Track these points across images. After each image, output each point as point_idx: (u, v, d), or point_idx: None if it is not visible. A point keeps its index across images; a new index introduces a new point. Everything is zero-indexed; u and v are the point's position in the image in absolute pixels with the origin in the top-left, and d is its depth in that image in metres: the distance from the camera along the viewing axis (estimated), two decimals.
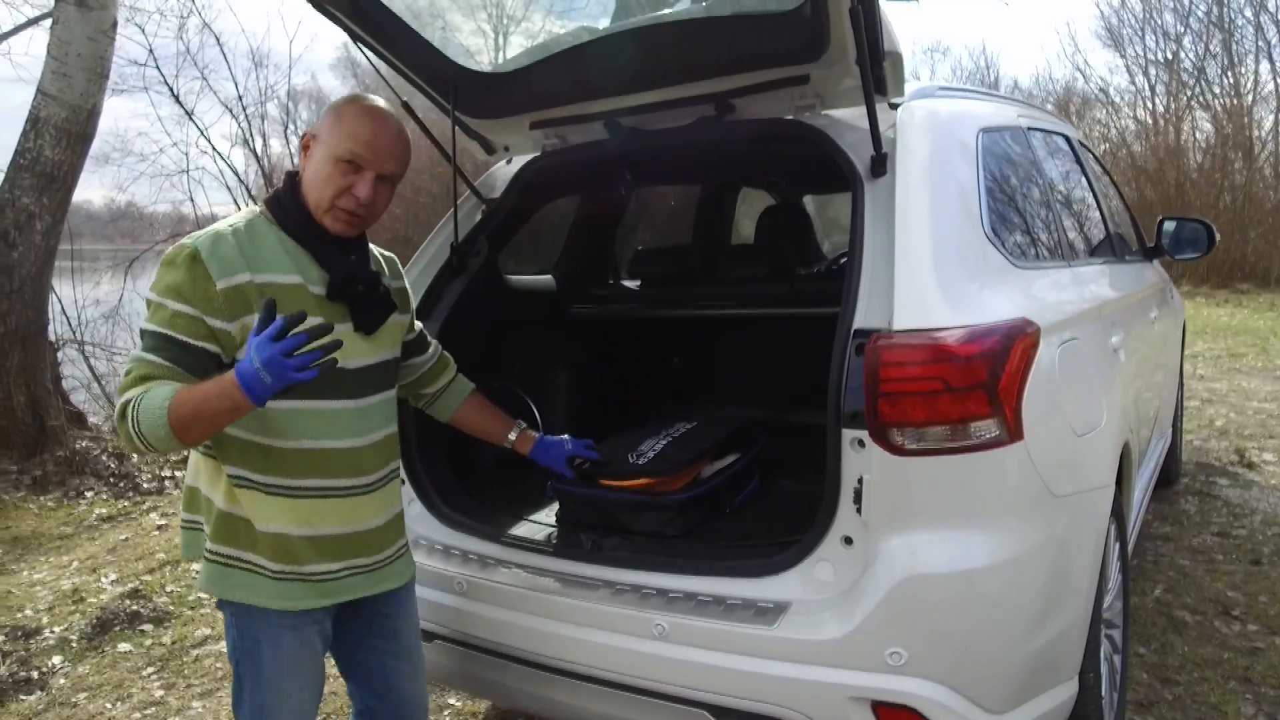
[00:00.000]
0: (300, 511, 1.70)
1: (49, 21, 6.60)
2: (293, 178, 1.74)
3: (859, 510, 1.75)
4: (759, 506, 2.43)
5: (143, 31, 10.32)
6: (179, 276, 1.58)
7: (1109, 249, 3.28)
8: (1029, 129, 2.77)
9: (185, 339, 1.57)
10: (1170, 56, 18.60)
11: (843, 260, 4.76)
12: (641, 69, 2.30)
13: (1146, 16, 19.09)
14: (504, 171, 2.76)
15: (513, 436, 2.24)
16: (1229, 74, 17.87)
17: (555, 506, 2.41)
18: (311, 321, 1.46)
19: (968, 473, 1.71)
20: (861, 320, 1.81)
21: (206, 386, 1.50)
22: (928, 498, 1.71)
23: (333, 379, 1.68)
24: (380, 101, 1.76)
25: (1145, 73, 19.03)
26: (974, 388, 1.69)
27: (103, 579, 4.72)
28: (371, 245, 1.91)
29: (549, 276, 3.41)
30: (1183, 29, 18.58)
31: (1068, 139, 3.33)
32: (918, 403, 1.68)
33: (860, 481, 1.75)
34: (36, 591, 4.61)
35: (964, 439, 1.69)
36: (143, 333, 1.60)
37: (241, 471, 1.68)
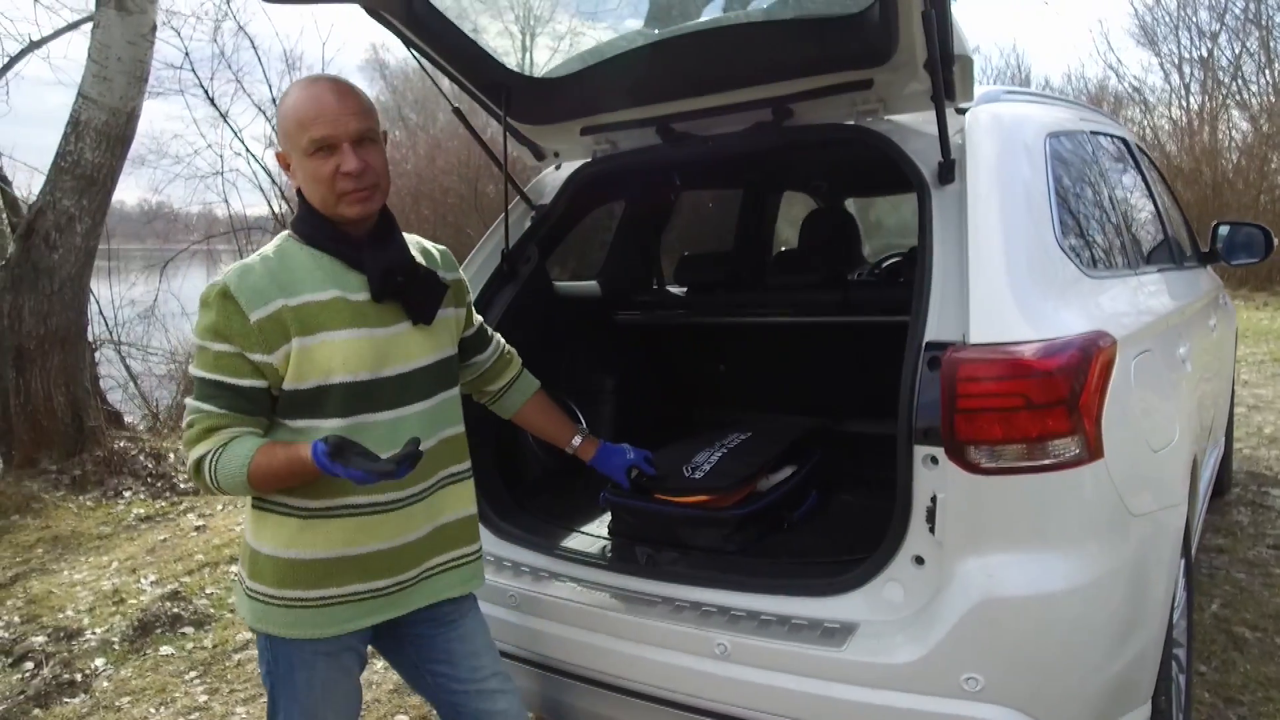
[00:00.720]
0: (345, 531, 1.65)
1: (88, 25, 6.66)
2: (302, 195, 1.69)
3: (932, 530, 1.70)
4: (818, 521, 2.37)
5: (178, 35, 10.42)
6: (212, 316, 1.56)
7: (1168, 255, 3.19)
8: (1091, 133, 2.69)
9: (233, 381, 1.56)
10: (1205, 54, 18.27)
11: (887, 263, 4.73)
12: (698, 74, 2.25)
13: (1181, 14, 18.76)
14: (553, 177, 2.72)
15: (576, 441, 2.17)
16: (1266, 72, 17.51)
17: (607, 518, 2.37)
18: (382, 466, 1.47)
19: (1047, 493, 1.65)
20: (934, 332, 1.75)
21: (282, 460, 1.53)
22: (1005, 518, 1.65)
23: (398, 383, 1.66)
24: (317, 76, 1.68)
25: (1180, 71, 18.70)
26: (1055, 404, 1.63)
27: (142, 580, 4.74)
28: (418, 238, 1.86)
29: (594, 283, 3.38)
30: (1218, 26, 18.24)
31: (1125, 142, 3.25)
32: (995, 419, 1.63)
33: (933, 500, 1.69)
34: (77, 592, 4.64)
35: (1043, 457, 1.63)
36: (194, 379, 1.59)
37: (278, 498, 1.64)
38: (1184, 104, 18.39)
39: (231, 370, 1.56)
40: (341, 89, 1.62)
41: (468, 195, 17.95)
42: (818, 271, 3.11)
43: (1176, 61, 18.82)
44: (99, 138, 6.45)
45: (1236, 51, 17.95)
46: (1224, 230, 4.01)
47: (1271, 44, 17.57)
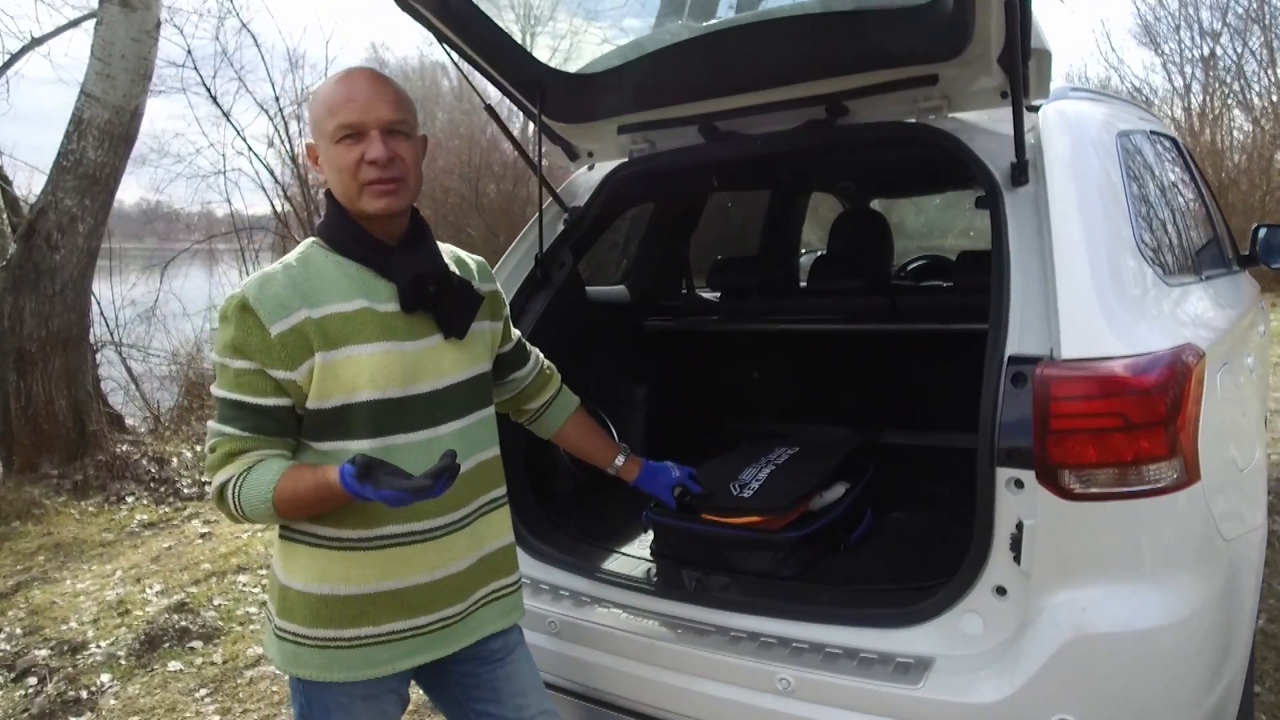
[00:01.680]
0: (383, 564, 1.52)
1: (90, 23, 6.54)
2: (331, 196, 1.56)
3: (1017, 559, 1.58)
4: (875, 543, 2.25)
5: (181, 32, 10.27)
6: (231, 331, 1.44)
7: (1221, 259, 3.07)
8: (1151, 133, 2.57)
9: (255, 400, 1.45)
10: (1207, 54, 18.16)
11: (912, 266, 4.62)
12: (745, 69, 2.13)
13: (1183, 13, 18.64)
14: (586, 178, 2.60)
15: (620, 462, 2.04)
16: (1269, 71, 17.41)
17: (648, 537, 2.24)
18: (416, 483, 1.33)
19: (1142, 520, 1.53)
20: (1016, 345, 1.63)
21: (309, 485, 1.41)
22: (1098, 548, 1.53)
23: (429, 400, 1.53)
24: (354, 67, 1.57)
25: (1181, 71, 18.59)
26: (1153, 424, 1.51)
27: (147, 590, 4.61)
28: (452, 248, 1.73)
29: (622, 288, 3.25)
30: (1220, 26, 18.12)
31: (1175, 142, 3.13)
32: (1090, 441, 1.51)
33: (1019, 527, 1.57)
34: (80, 602, 4.52)
35: (1139, 482, 1.51)
36: (216, 399, 1.48)
37: (308, 527, 1.52)
38: (1186, 104, 18.29)
39: (253, 389, 1.44)
40: (378, 77, 1.52)
41: (469, 195, 17.81)
42: (861, 276, 2.98)
43: (1178, 61, 18.72)
44: (102, 136, 6.33)
45: (1239, 51, 17.85)
46: (1264, 233, 3.90)
47: (1274, 42, 17.47)
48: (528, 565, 2.17)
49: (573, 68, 2.35)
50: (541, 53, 2.34)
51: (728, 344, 3.34)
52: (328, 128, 1.48)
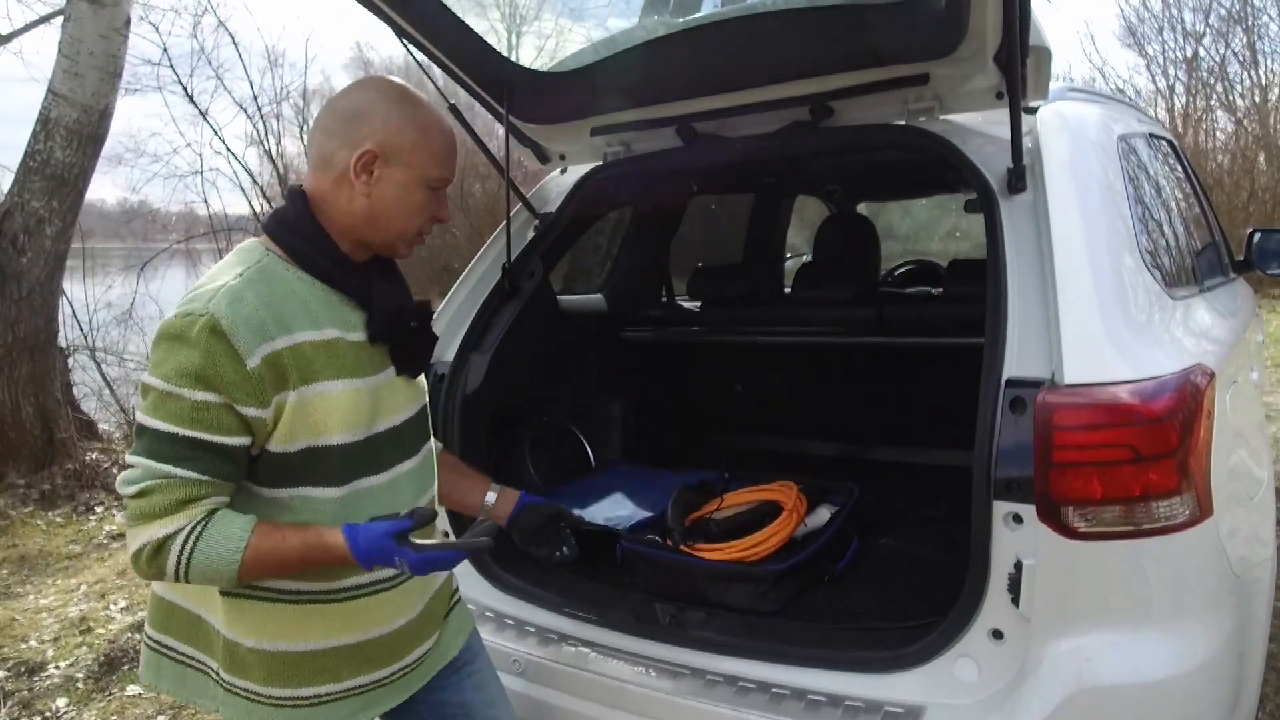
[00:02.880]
0: (342, 619, 1.38)
1: (60, 20, 6.35)
2: (303, 199, 1.37)
3: (1015, 601, 1.45)
4: (863, 573, 2.11)
5: (156, 30, 10.07)
6: (195, 358, 1.20)
7: (1219, 267, 2.96)
8: (1150, 135, 2.46)
9: (218, 440, 1.22)
10: (1190, 55, 18.16)
11: (899, 271, 4.49)
12: (725, 68, 2.00)
13: (1166, 14, 18.64)
14: (558, 183, 2.46)
15: (490, 499, 1.76)
16: (1251, 71, 17.42)
17: (623, 567, 2.10)
18: (475, 543, 1.32)
19: (1152, 561, 1.41)
20: (1015, 367, 1.51)
21: (296, 547, 1.26)
22: (1104, 592, 1.41)
23: (390, 439, 1.41)
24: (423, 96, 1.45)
25: (1165, 72, 18.58)
26: (1164, 455, 1.38)
27: (111, 606, 4.46)
28: None
29: (599, 296, 3.11)
30: (1203, 27, 18.12)
31: (1172, 144, 3.02)
32: (1094, 475, 1.38)
33: (1017, 567, 1.44)
34: (42, 619, 4.35)
35: (1148, 520, 1.39)
36: (153, 433, 1.22)
37: (268, 581, 1.34)
38: (1170, 106, 18.27)
39: (216, 426, 1.22)
40: None
41: (453, 194, 17.54)
42: (846, 285, 2.85)
43: (1162, 63, 18.71)
44: (70, 136, 6.14)
45: (1221, 52, 17.85)
46: (1259, 238, 3.79)
47: (1256, 43, 17.48)
48: (493, 598, 2.04)
49: (543, 66, 2.22)
50: (522, 51, 2.21)
51: (709, 356, 3.20)
52: (431, 172, 1.37)
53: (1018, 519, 1.44)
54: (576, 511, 1.83)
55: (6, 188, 6.30)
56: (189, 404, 1.21)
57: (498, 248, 2.31)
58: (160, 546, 1.22)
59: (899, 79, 1.85)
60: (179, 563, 1.22)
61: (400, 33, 1.99)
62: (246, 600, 1.35)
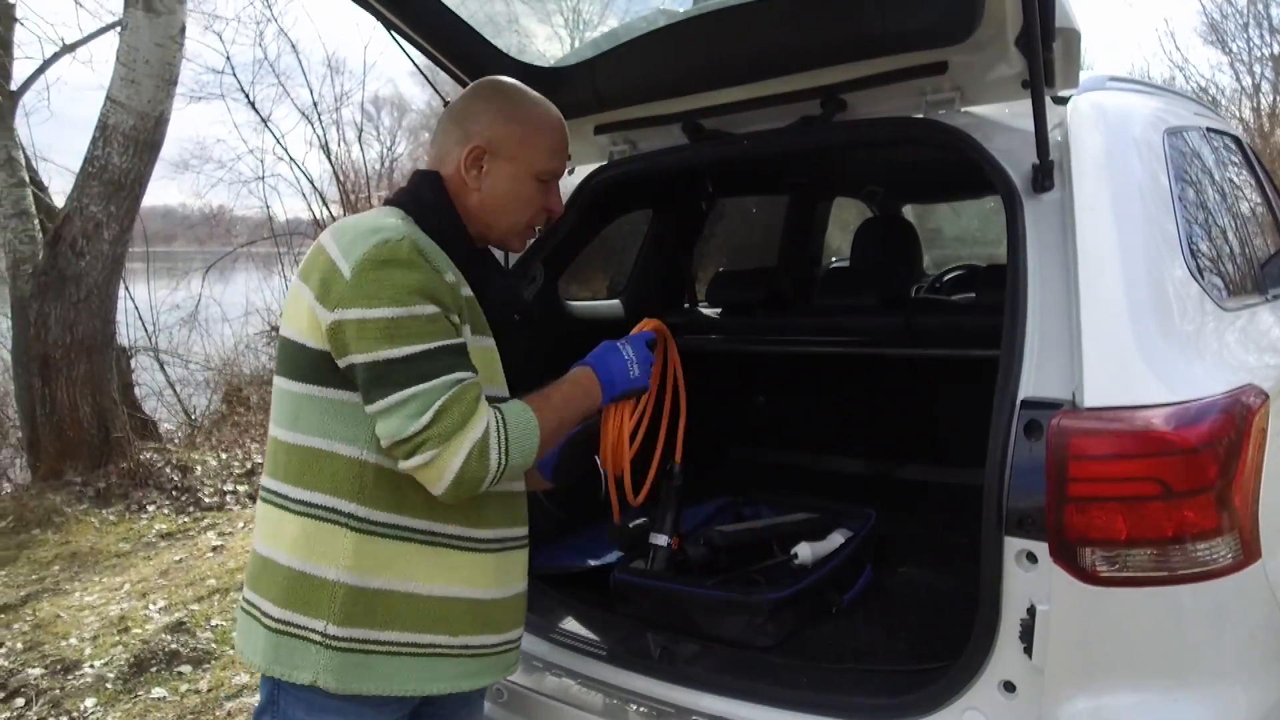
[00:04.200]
0: (499, 568, 1.42)
1: (120, 28, 6.52)
2: (436, 181, 1.42)
3: (1028, 650, 1.28)
4: (873, 605, 1.94)
5: (220, 39, 10.32)
6: (414, 275, 1.24)
7: None
8: (1207, 130, 2.23)
9: (458, 342, 1.29)
10: (1277, 51, 17.26)
11: (949, 276, 4.28)
12: (730, 60, 1.87)
13: (1251, 10, 17.76)
14: (562, 184, 2.35)
15: None
16: None
17: (616, 595, 1.98)
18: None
19: (1188, 610, 1.23)
20: (1031, 387, 1.34)
21: (562, 392, 1.45)
22: (1130, 644, 1.24)
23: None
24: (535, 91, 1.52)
25: (1250, 70, 17.70)
26: (1200, 491, 1.20)
27: (150, 606, 4.52)
28: None
29: (616, 302, 2.98)
30: None
31: (1238, 141, 2.77)
32: (1118, 511, 1.21)
33: (1030, 612, 1.28)
34: (84, 617, 4.43)
35: (1183, 564, 1.21)
36: (407, 360, 1.22)
37: (434, 526, 1.34)
38: (1255, 104, 17.39)
39: (449, 333, 1.27)
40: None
41: None
42: (874, 292, 2.67)
43: (1247, 60, 17.84)
44: (127, 142, 6.30)
45: None
46: None
47: None
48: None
49: (544, 61, 2.11)
50: (518, 45, 2.11)
51: (730, 365, 3.04)
52: (540, 164, 1.44)
53: (1031, 558, 1.28)
54: (590, 562, 1.79)
55: (68, 192, 6.48)
56: (424, 319, 1.24)
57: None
58: (484, 445, 1.24)
59: (915, 68, 1.70)
60: (501, 451, 1.26)
61: (389, 26, 1.90)
62: (380, 539, 1.31)
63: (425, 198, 1.40)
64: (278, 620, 1.33)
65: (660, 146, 2.13)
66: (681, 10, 1.89)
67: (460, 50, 2.03)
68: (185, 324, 10.09)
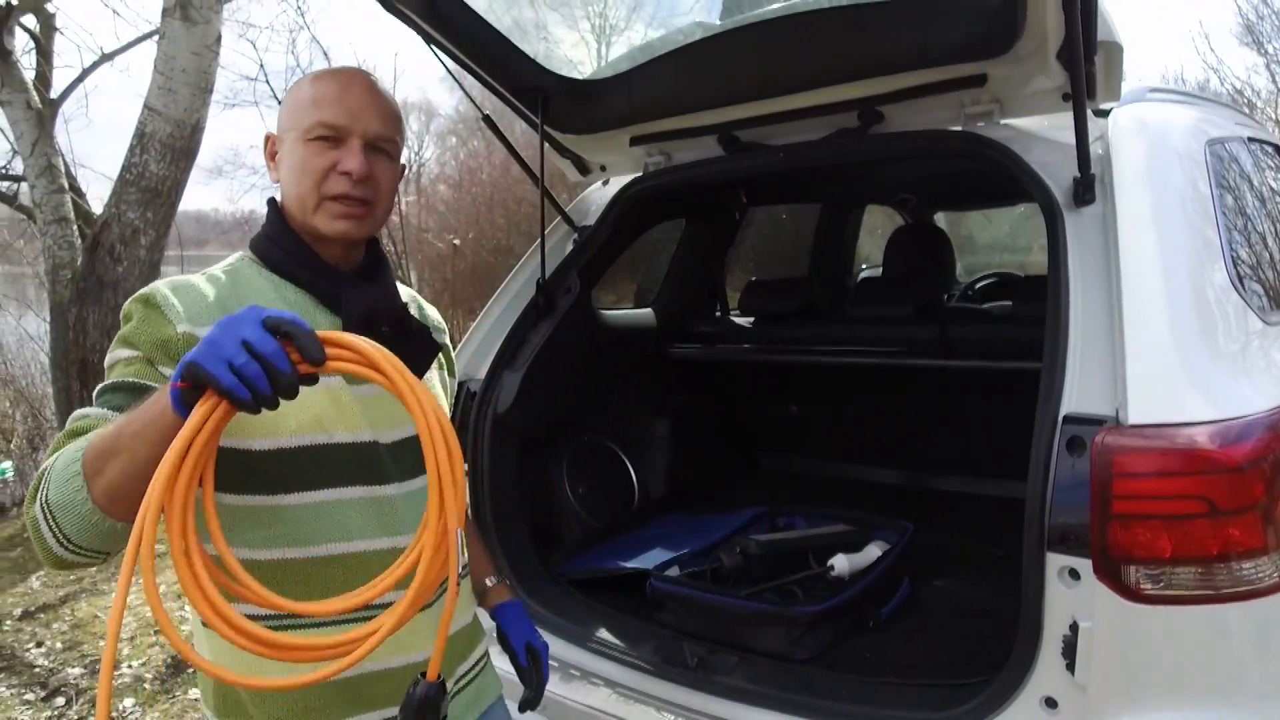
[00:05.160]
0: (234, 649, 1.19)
1: (157, 38, 6.64)
2: (274, 204, 1.32)
3: (1070, 667, 1.28)
4: (911, 619, 1.94)
5: (254, 46, 10.48)
6: (128, 325, 1.18)
7: None
8: (1249, 139, 2.21)
9: (135, 380, 1.13)
10: None
11: (980, 284, 4.25)
12: (767, 72, 1.88)
13: None
14: (599, 195, 2.37)
15: (489, 583, 1.59)
16: None
17: (653, 603, 1.99)
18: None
19: (1235, 630, 1.22)
20: (1074, 403, 1.33)
21: (130, 413, 1.02)
22: (1175, 663, 1.23)
23: (364, 458, 1.26)
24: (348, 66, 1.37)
25: None
26: (1247, 510, 1.19)
27: (186, 608, 4.56)
28: (413, 292, 1.49)
29: (648, 311, 3.00)
30: None
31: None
32: (1162, 529, 1.20)
33: (1073, 629, 1.27)
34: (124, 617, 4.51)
35: (1229, 582, 1.20)
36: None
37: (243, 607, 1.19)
38: None
39: (136, 374, 1.14)
40: (375, 85, 1.31)
41: (526, 204, 17.87)
42: (909, 302, 2.67)
43: None
44: (163, 150, 6.40)
45: None
46: None
47: None
48: None
49: (581, 73, 2.13)
50: (557, 56, 2.13)
51: (762, 374, 3.05)
52: (304, 121, 1.25)
53: (1074, 574, 1.27)
54: (622, 564, 1.73)
55: (106, 199, 6.61)
56: (121, 362, 1.16)
57: (534, 262, 2.23)
58: (36, 483, 1.05)
59: (953, 80, 1.70)
60: (42, 495, 1.03)
61: (428, 39, 1.93)
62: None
63: (266, 227, 1.31)
64: None
65: (695, 158, 2.14)
66: (719, 23, 1.90)
67: (496, 61, 2.05)
68: None
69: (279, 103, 8.49)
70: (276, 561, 1.19)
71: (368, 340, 1.00)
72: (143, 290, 1.20)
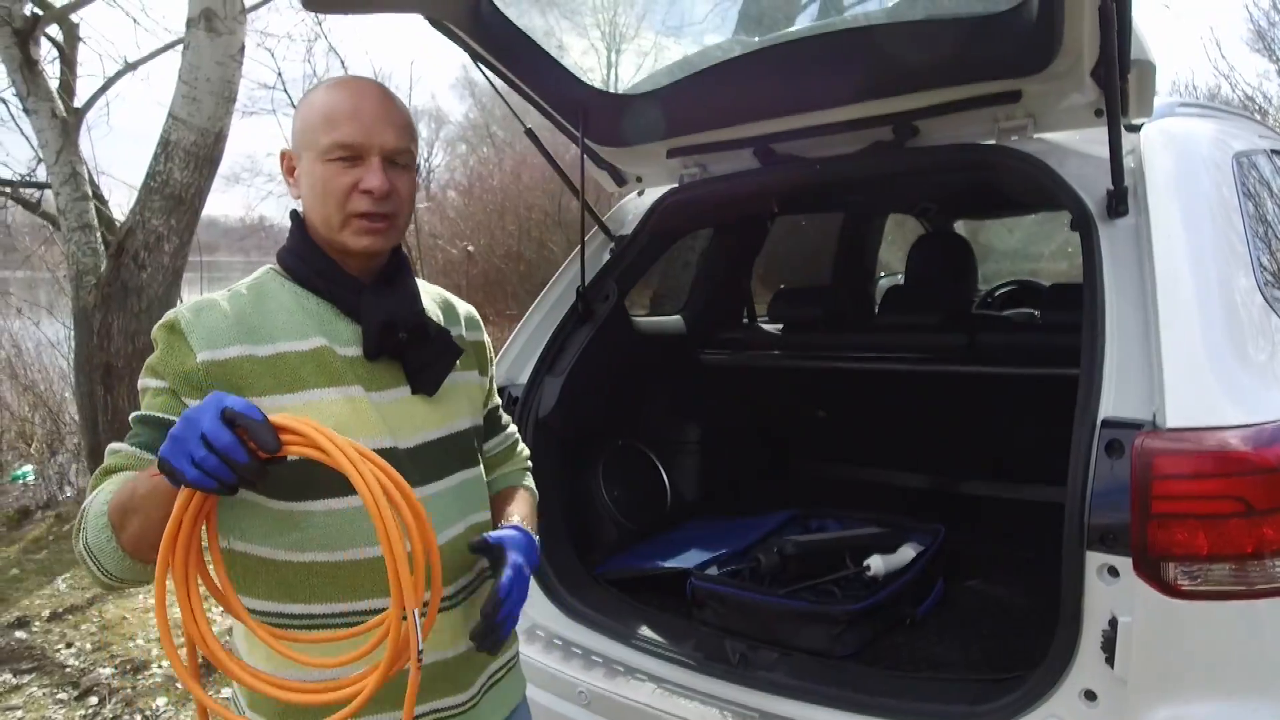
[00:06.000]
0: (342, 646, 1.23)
1: (181, 47, 6.73)
2: (297, 217, 1.36)
3: (1110, 661, 1.33)
4: (946, 618, 2.00)
5: (272, 55, 10.58)
6: (155, 354, 1.25)
7: None
8: (1272, 151, 2.26)
9: (161, 415, 1.21)
10: None
11: (1000, 291, 4.30)
12: (804, 87, 1.94)
13: None
14: (634, 205, 2.44)
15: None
16: None
17: (693, 601, 2.04)
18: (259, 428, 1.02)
19: (1268, 624, 1.27)
20: (1111, 407, 1.39)
21: (132, 480, 1.13)
22: (1211, 656, 1.28)
23: (395, 460, 1.27)
24: (358, 76, 1.38)
25: None
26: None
27: (213, 609, 4.62)
28: (440, 290, 1.53)
29: (678, 318, 3.06)
30: None
31: None
32: (1199, 528, 1.26)
33: (1112, 624, 1.33)
34: (149, 618, 4.57)
35: (1264, 578, 1.26)
36: (130, 420, 1.25)
37: (269, 606, 1.25)
38: None
39: (161, 408, 1.21)
40: (387, 95, 1.33)
41: (552, 211, 17.97)
42: (936, 310, 2.73)
43: None
44: (187, 158, 6.49)
45: None
46: None
47: None
48: (560, 625, 2.00)
49: (619, 87, 2.20)
50: (623, 76, 2.20)
51: (791, 380, 3.11)
52: (321, 141, 1.27)
53: (1113, 572, 1.33)
54: (661, 564, 1.76)
55: (129, 205, 6.70)
56: (150, 392, 1.23)
57: (573, 270, 2.29)
58: (79, 521, 1.16)
59: (988, 96, 1.76)
60: (82, 523, 1.14)
61: (476, 57, 2.00)
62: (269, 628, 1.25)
63: (289, 240, 1.35)
64: (237, 706, 1.38)
65: (731, 169, 2.20)
66: (757, 40, 1.96)
67: (541, 78, 2.12)
68: None
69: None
70: (308, 564, 1.24)
71: (312, 423, 1.05)
72: (169, 315, 1.26)
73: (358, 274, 1.34)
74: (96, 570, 1.16)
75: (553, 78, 2.10)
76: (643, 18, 2.25)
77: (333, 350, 1.28)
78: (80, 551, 1.15)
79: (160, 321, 1.26)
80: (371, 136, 1.28)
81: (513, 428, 1.66)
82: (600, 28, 2.22)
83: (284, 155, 1.34)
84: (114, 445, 1.23)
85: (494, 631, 1.25)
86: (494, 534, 1.36)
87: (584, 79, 2.14)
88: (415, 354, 1.33)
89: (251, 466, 1.00)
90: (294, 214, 1.37)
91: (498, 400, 1.63)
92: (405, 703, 1.09)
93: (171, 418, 1.18)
